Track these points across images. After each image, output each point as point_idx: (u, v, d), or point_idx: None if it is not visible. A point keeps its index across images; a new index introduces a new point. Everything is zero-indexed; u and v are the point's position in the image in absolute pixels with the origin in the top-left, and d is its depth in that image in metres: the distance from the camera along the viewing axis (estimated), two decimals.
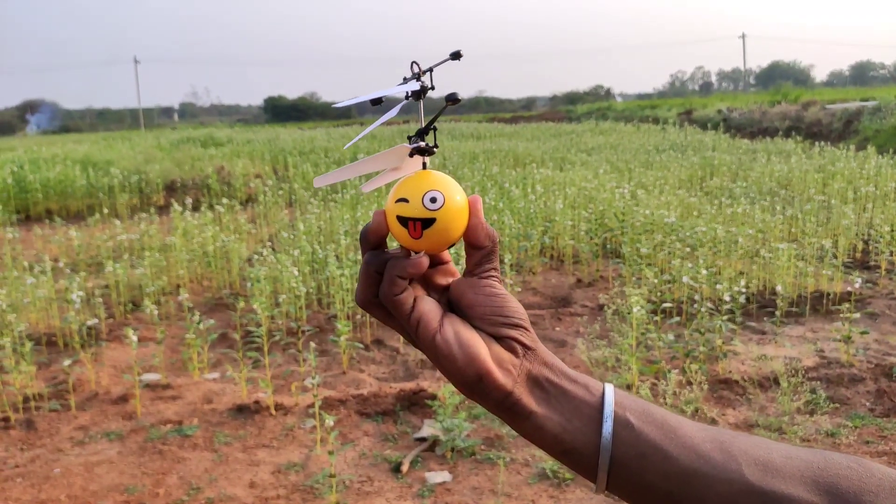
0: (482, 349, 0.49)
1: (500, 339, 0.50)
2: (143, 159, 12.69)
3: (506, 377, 0.49)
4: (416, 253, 0.50)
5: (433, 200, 0.47)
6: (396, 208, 0.48)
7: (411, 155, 0.50)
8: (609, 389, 0.49)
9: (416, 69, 0.49)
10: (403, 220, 0.48)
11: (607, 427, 0.48)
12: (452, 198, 0.48)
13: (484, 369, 0.48)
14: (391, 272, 0.48)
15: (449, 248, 0.50)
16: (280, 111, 53.23)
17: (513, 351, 0.50)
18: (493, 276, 0.51)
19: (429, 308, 0.49)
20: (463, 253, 0.54)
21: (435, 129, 0.50)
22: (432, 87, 0.49)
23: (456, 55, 0.48)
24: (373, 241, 0.50)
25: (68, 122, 50.84)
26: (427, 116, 0.51)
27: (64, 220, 7.91)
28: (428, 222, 0.47)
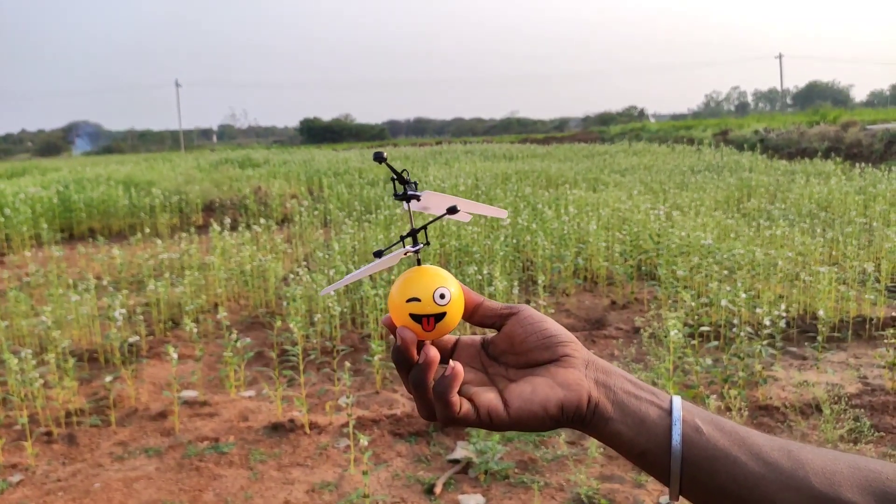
0: (546, 387, 0.52)
1: (558, 361, 0.53)
2: (184, 180, 12.98)
3: (579, 392, 0.52)
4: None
5: (442, 297, 0.52)
6: (409, 307, 0.52)
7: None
8: (677, 398, 0.52)
9: (410, 189, 0.53)
10: (417, 317, 0.52)
11: (677, 430, 0.50)
12: (455, 290, 0.54)
13: (558, 400, 0.51)
14: (442, 398, 0.50)
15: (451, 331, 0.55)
16: (315, 132, 54.07)
17: (574, 367, 0.53)
18: (520, 309, 0.56)
19: (488, 398, 0.52)
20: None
21: (425, 228, 0.55)
22: (417, 197, 0.54)
23: (452, 210, 0.54)
24: (410, 357, 0.52)
25: (111, 144, 52.33)
26: (429, 215, 0.57)
27: (106, 239, 8.12)
28: (440, 316, 0.52)
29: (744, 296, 3.96)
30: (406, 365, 0.52)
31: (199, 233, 8.34)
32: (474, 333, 0.57)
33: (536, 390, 0.51)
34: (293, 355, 3.57)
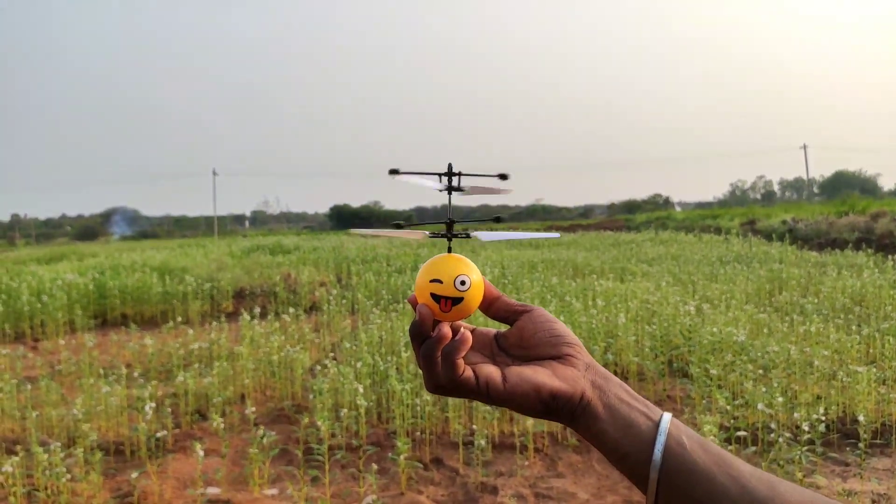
0: (545, 375, 0.56)
1: (561, 358, 0.57)
2: (216, 267, 13.24)
3: (574, 387, 0.55)
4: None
5: (463, 283, 0.58)
6: (431, 287, 0.58)
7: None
8: (668, 414, 0.56)
9: (450, 168, 0.60)
10: (436, 297, 0.58)
11: (661, 440, 0.53)
12: (475, 280, 0.59)
13: (553, 388, 0.55)
14: (449, 358, 0.55)
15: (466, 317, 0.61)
16: (344, 218, 55.26)
17: (574, 366, 0.57)
18: (533, 308, 0.60)
19: (489, 370, 0.57)
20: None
21: (456, 222, 0.61)
22: (460, 189, 0.60)
23: (503, 176, 0.60)
24: (425, 331, 0.57)
25: (147, 229, 53.95)
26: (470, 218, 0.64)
27: (138, 326, 8.24)
28: (457, 300, 0.58)
29: (780, 399, 3.85)
30: (420, 338, 0.57)
31: (229, 320, 8.43)
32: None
33: (535, 375, 0.56)
34: (319, 454, 3.53)
